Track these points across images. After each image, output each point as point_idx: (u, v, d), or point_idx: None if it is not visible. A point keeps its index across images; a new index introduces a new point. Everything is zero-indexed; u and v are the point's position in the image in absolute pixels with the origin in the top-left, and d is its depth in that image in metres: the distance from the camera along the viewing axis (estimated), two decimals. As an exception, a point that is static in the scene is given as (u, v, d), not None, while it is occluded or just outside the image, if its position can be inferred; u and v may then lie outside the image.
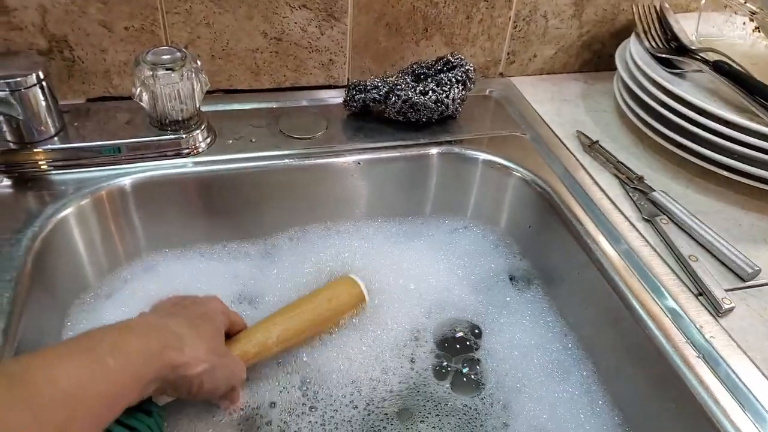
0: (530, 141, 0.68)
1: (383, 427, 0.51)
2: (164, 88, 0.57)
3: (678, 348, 0.46)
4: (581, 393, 0.54)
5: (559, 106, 0.75)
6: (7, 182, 0.55)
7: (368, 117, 0.68)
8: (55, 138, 0.58)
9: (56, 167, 0.57)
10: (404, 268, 0.63)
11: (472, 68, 0.67)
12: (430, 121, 0.67)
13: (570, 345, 0.57)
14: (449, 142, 0.66)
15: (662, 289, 0.51)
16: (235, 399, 0.48)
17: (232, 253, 0.64)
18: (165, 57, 0.57)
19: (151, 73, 0.56)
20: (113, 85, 0.66)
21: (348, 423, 0.51)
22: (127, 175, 0.57)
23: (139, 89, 0.57)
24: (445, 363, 0.56)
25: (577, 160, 0.65)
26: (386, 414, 0.52)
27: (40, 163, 0.57)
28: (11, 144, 0.56)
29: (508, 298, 0.62)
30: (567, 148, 0.67)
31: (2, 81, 0.52)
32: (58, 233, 0.53)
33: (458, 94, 0.66)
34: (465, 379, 0.55)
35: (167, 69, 0.56)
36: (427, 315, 0.59)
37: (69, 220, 0.54)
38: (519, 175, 0.63)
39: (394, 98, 0.64)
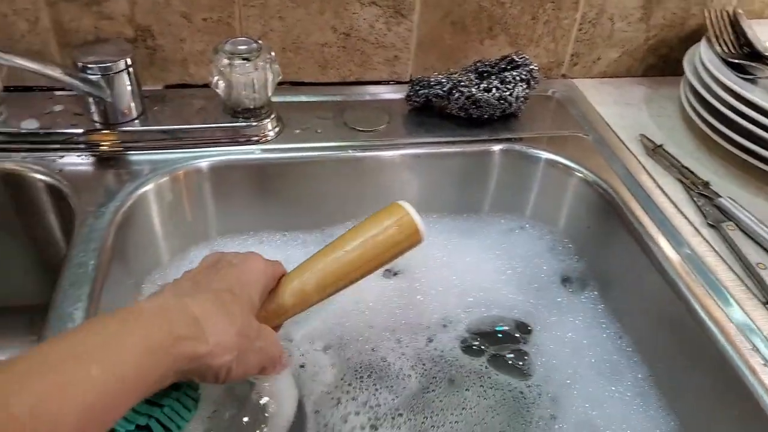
0: (592, 142, 0.67)
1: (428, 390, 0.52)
2: (239, 77, 0.60)
3: (743, 355, 0.46)
4: (634, 395, 0.53)
5: (621, 109, 0.75)
6: (92, 159, 0.59)
7: (429, 112, 0.70)
8: (137, 120, 0.61)
9: (137, 148, 0.60)
10: (451, 262, 0.64)
11: (536, 68, 0.68)
12: (492, 118, 0.67)
13: (625, 347, 0.57)
14: (510, 140, 0.66)
15: (728, 295, 0.50)
16: (271, 371, 0.42)
17: (290, 242, 0.66)
18: (242, 47, 0.59)
19: (228, 62, 0.59)
20: (189, 73, 0.70)
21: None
22: (201, 159, 0.60)
23: (216, 77, 0.60)
24: (479, 344, 0.57)
25: (640, 163, 0.65)
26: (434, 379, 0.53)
27: (122, 143, 0.60)
28: (98, 124, 0.60)
29: (559, 299, 0.62)
30: (630, 151, 0.67)
31: (95, 65, 0.56)
32: (138, 209, 0.56)
33: (522, 92, 0.66)
34: (510, 362, 0.56)
35: (243, 59, 0.59)
36: (465, 309, 0.60)
37: (148, 196, 0.57)
38: (581, 175, 0.63)
39: (457, 94, 0.66)
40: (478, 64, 0.70)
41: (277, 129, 0.65)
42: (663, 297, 0.53)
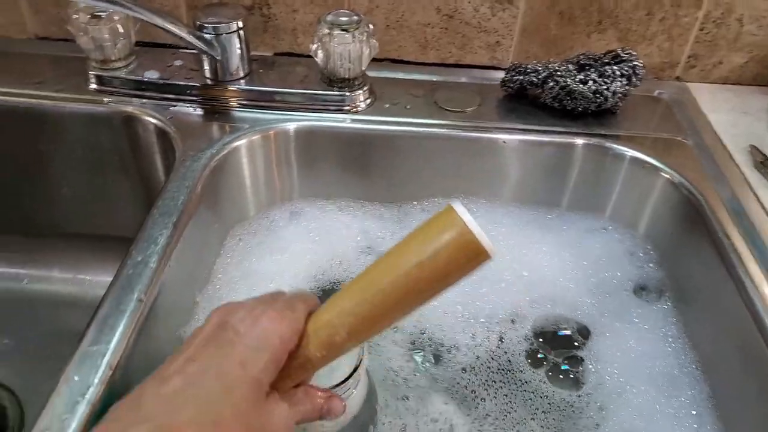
0: (692, 147, 0.64)
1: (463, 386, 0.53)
2: (337, 47, 0.63)
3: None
4: (688, 414, 0.50)
5: (737, 117, 0.69)
6: (200, 111, 0.65)
7: (524, 100, 0.69)
8: (243, 80, 0.66)
9: (238, 105, 0.66)
10: (522, 254, 0.63)
11: (641, 65, 0.65)
12: (586, 111, 0.66)
13: (688, 363, 0.54)
14: (601, 136, 0.64)
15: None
16: None
17: (367, 214, 0.69)
18: (343, 19, 0.62)
19: (328, 32, 0.62)
20: (297, 42, 0.74)
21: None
22: (293, 121, 0.64)
23: (316, 45, 0.63)
24: (541, 353, 0.56)
25: (743, 174, 0.60)
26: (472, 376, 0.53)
27: (227, 99, 0.66)
28: (209, 80, 0.66)
29: (629, 306, 0.59)
30: (733, 161, 0.62)
31: (210, 25, 0.62)
32: (231, 160, 0.62)
33: (620, 87, 0.64)
34: (562, 375, 0.55)
35: (342, 30, 0.62)
36: (530, 304, 0.59)
37: (241, 149, 0.62)
38: (667, 176, 0.60)
39: (552, 83, 0.64)
40: (580, 57, 0.68)
41: (368, 101, 0.67)
42: (741, 322, 0.49)
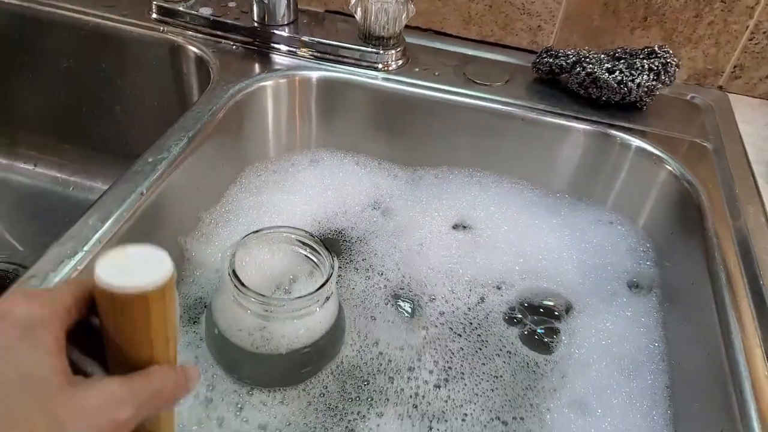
0: (710, 150, 0.63)
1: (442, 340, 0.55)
2: (375, 5, 0.66)
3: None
4: (642, 396, 0.51)
5: (771, 133, 0.67)
6: (241, 50, 0.70)
7: (553, 84, 0.70)
8: (286, 27, 0.71)
9: (275, 49, 0.70)
10: (523, 231, 0.64)
11: (673, 62, 0.64)
12: (609, 102, 0.66)
13: (656, 354, 0.54)
14: (617, 126, 0.64)
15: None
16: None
17: (383, 171, 0.71)
18: (384, -21, 0.66)
19: (368, -11, 0.65)
20: (347, 2, 0.77)
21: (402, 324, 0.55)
22: (324, 71, 0.68)
23: (355, 1, 0.67)
24: (519, 316, 0.57)
25: (756, 185, 0.59)
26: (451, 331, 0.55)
27: (268, 43, 0.70)
28: (255, 23, 0.71)
29: (616, 294, 0.59)
30: (751, 170, 0.61)
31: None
32: (256, 96, 0.66)
33: (646, 81, 0.63)
34: (536, 338, 0.56)
35: (382, -11, 0.65)
36: (520, 275, 0.60)
37: (266, 90, 0.66)
38: (669, 168, 0.59)
39: (578, 69, 0.65)
40: (618, 50, 0.68)
41: (400, 62, 0.70)
42: (711, 331, 0.48)
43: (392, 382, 0.51)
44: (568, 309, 0.59)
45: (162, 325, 0.28)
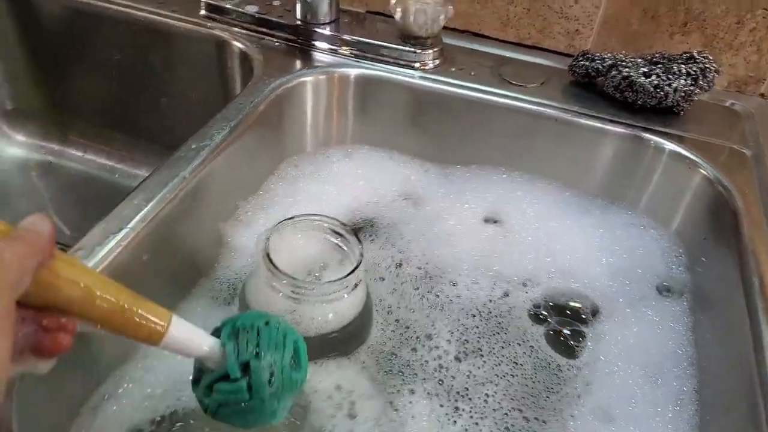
0: (749, 157, 0.62)
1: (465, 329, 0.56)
2: (414, 5, 0.67)
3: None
4: (669, 403, 0.50)
5: (814, 143, 0.66)
6: (283, 46, 0.72)
7: (589, 88, 0.70)
8: (327, 26, 0.73)
9: (318, 47, 0.72)
10: (553, 230, 0.65)
11: (712, 68, 0.64)
12: (645, 106, 0.66)
13: (684, 360, 0.53)
14: (652, 131, 0.64)
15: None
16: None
17: (415, 166, 0.72)
18: (424, -20, 0.67)
19: (408, -11, 0.67)
20: (388, 3, 0.79)
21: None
22: (360, 68, 0.70)
23: (394, 1, 0.68)
24: (544, 315, 0.58)
25: (795, 192, 0.58)
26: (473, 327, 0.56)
27: (309, 41, 0.73)
28: (298, 21, 0.73)
29: (645, 298, 0.59)
30: (789, 178, 0.60)
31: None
32: (296, 92, 0.68)
33: (683, 86, 0.63)
34: (561, 339, 0.56)
35: (421, -11, 0.66)
36: (547, 274, 0.61)
37: (306, 85, 0.69)
38: (704, 172, 0.59)
39: (614, 72, 0.65)
40: (656, 55, 0.68)
41: (437, 62, 0.71)
42: (743, 340, 0.47)
43: (415, 353, 0.52)
44: (595, 312, 0.59)
45: None
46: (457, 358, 0.53)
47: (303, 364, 0.38)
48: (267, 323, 0.37)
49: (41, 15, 0.79)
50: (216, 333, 0.37)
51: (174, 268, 0.53)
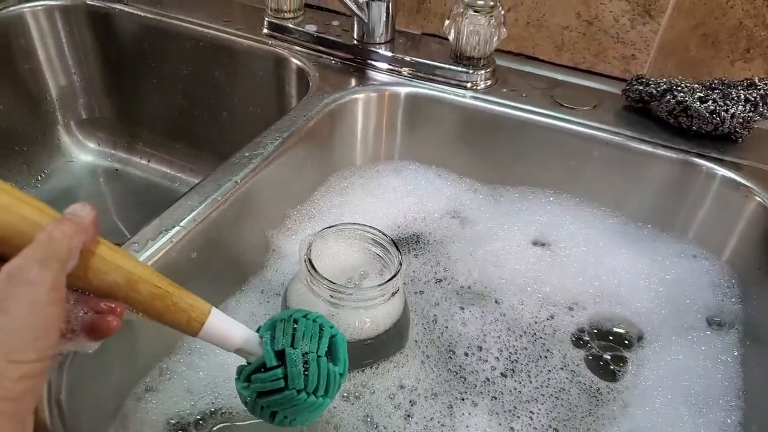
0: (809, 187, 0.60)
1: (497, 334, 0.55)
2: (468, 27, 0.69)
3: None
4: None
5: None
6: (339, 65, 0.75)
7: (642, 113, 0.69)
8: (382, 46, 0.75)
9: (371, 65, 0.74)
10: (601, 256, 0.63)
11: (774, 95, 0.62)
12: (700, 132, 0.64)
13: (731, 392, 0.51)
14: (705, 157, 0.63)
15: None
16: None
17: (463, 186, 0.73)
18: (480, 2, 0.68)
19: (462, 11, 0.68)
20: (444, 26, 0.81)
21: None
22: (408, 86, 0.72)
23: (448, 23, 0.70)
24: (587, 339, 0.57)
25: None
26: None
27: (365, 59, 0.75)
28: (354, 40, 0.76)
29: (692, 327, 0.57)
30: None
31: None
32: (348, 107, 0.70)
33: (741, 112, 0.62)
34: (601, 363, 0.55)
35: (476, 11, 0.68)
36: (594, 299, 0.60)
37: (358, 102, 0.71)
38: (760, 200, 0.57)
39: (668, 97, 0.64)
40: (714, 80, 0.67)
41: (488, 83, 0.72)
42: None
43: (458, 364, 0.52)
44: (639, 338, 0.57)
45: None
46: (503, 375, 0.53)
47: (341, 358, 0.39)
48: (305, 316, 0.38)
49: (117, 30, 0.85)
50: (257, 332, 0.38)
51: (221, 268, 0.55)
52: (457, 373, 0.53)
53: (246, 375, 0.37)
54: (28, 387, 0.26)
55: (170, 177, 0.92)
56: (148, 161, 0.94)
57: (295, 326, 0.37)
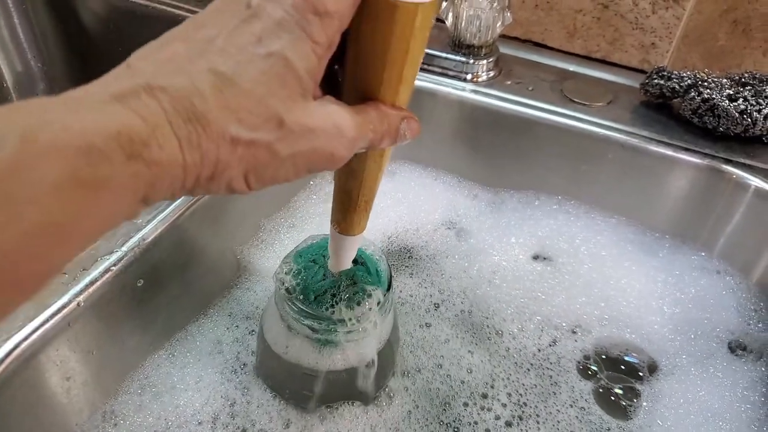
0: None
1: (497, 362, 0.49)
2: (467, 10, 0.61)
3: None
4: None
5: None
6: (325, 51, 0.68)
7: (662, 110, 0.62)
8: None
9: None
10: (611, 270, 0.57)
11: (814, 93, 0.55)
12: (728, 134, 0.57)
13: (759, 426, 0.45)
14: (734, 163, 0.56)
15: None
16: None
17: (462, 190, 0.66)
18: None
19: (462, -7, 0.61)
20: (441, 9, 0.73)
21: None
22: (408, 78, 0.64)
23: (446, 5, 0.62)
24: (595, 369, 0.51)
25: None
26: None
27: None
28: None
29: (714, 356, 0.51)
30: None
31: None
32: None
33: (776, 113, 0.54)
34: (612, 398, 0.49)
35: (477, -6, 0.60)
36: (600, 321, 0.54)
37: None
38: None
39: (693, 93, 0.57)
40: (745, 74, 0.59)
41: (491, 74, 0.65)
42: None
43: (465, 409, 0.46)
44: (653, 368, 0.51)
45: (402, 54, 0.27)
46: (509, 424, 0.46)
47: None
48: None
49: (81, 11, 0.77)
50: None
51: (177, 293, 0.49)
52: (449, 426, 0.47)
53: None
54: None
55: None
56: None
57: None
